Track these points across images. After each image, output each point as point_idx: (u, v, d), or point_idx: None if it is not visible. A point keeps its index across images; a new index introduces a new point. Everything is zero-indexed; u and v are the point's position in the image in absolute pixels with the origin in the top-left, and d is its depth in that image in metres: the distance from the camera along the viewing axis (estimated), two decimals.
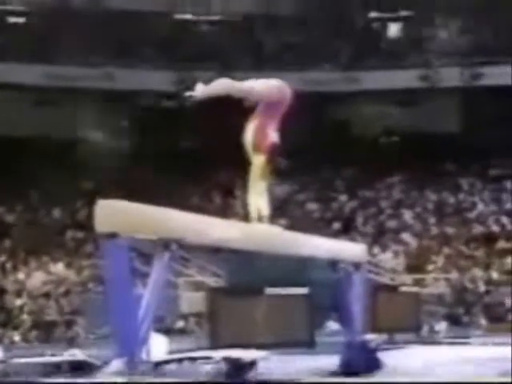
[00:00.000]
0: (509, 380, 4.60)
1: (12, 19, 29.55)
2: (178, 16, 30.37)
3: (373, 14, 30.64)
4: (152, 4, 29.05)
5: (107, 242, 5.94)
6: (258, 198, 7.43)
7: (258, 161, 7.46)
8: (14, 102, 28.29)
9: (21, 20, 29.64)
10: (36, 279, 21.96)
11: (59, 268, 22.60)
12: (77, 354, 11.80)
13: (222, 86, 7.49)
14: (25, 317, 20.12)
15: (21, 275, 22.03)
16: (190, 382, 4.91)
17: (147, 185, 23.83)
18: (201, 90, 7.42)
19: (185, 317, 19.18)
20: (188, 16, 30.61)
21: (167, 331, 12.92)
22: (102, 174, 25.49)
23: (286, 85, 7.77)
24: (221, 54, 28.32)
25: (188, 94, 7.34)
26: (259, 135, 7.51)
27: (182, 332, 18.27)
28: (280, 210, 24.41)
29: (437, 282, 22.21)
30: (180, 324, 19.10)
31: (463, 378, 4.98)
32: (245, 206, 7.69)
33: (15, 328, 19.56)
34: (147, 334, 6.13)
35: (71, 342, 17.66)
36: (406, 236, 25.02)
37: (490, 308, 21.19)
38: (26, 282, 21.72)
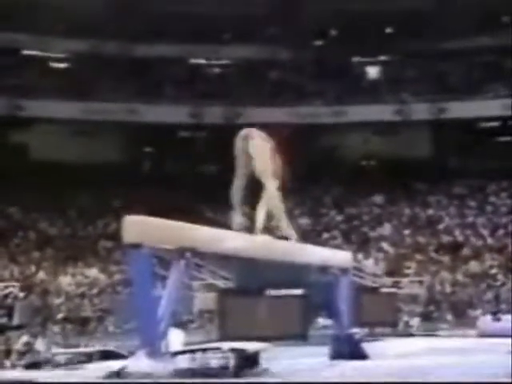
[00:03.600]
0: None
1: (54, 64, 29.64)
2: (193, 60, 30.45)
3: (356, 59, 30.69)
4: (171, 51, 29.12)
5: (133, 251, 5.89)
6: (263, 213, 7.39)
7: (273, 184, 7.42)
8: (54, 133, 28.31)
9: (61, 65, 29.72)
10: (73, 282, 21.89)
11: (93, 272, 22.52)
12: (107, 345, 11.71)
13: None
14: (63, 313, 20.02)
15: (61, 278, 21.95)
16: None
17: (167, 202, 23.75)
18: None
19: (198, 314, 19.06)
20: (201, 60, 30.69)
21: (183, 326, 12.82)
22: (129, 194, 25.44)
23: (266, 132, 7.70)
24: (229, 92, 28.36)
25: None
26: (272, 165, 7.49)
27: (196, 327, 18.15)
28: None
29: (411, 284, 22.08)
30: (194, 320, 18.97)
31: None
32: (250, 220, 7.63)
33: (55, 323, 19.44)
34: (166, 329, 6.06)
35: (102, 335, 17.57)
36: (385, 245, 24.91)
37: (455, 306, 21.07)
38: (65, 284, 21.64)
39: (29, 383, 5.18)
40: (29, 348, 13.43)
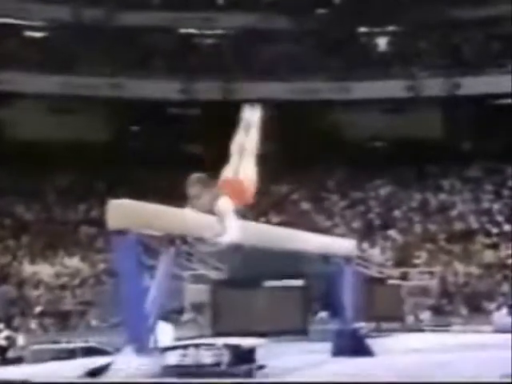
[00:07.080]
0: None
1: (30, 33, 29.54)
2: (183, 31, 30.37)
3: (363, 29, 30.63)
4: (159, 20, 29.02)
5: (118, 238, 5.90)
6: None
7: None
8: (32, 109, 28.21)
9: (38, 34, 29.62)
10: (52, 272, 21.94)
11: (74, 262, 22.58)
12: (90, 341, 11.77)
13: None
14: (42, 306, 20.08)
15: (38, 268, 22.01)
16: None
17: (153, 184, 23.78)
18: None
19: (189, 307, 19.13)
20: (192, 30, 30.62)
21: (173, 320, 12.87)
22: (113, 175, 25.46)
23: None
24: (221, 66, 28.30)
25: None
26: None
27: (187, 321, 18.23)
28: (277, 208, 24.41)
29: (421, 275, 22.16)
30: (185, 313, 19.05)
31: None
32: None
33: (33, 316, 19.51)
34: (154, 323, 6.10)
35: (85, 330, 17.63)
36: (392, 233, 24.98)
37: (470, 299, 21.19)
38: (43, 275, 21.69)
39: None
40: (10, 342, 13.53)
